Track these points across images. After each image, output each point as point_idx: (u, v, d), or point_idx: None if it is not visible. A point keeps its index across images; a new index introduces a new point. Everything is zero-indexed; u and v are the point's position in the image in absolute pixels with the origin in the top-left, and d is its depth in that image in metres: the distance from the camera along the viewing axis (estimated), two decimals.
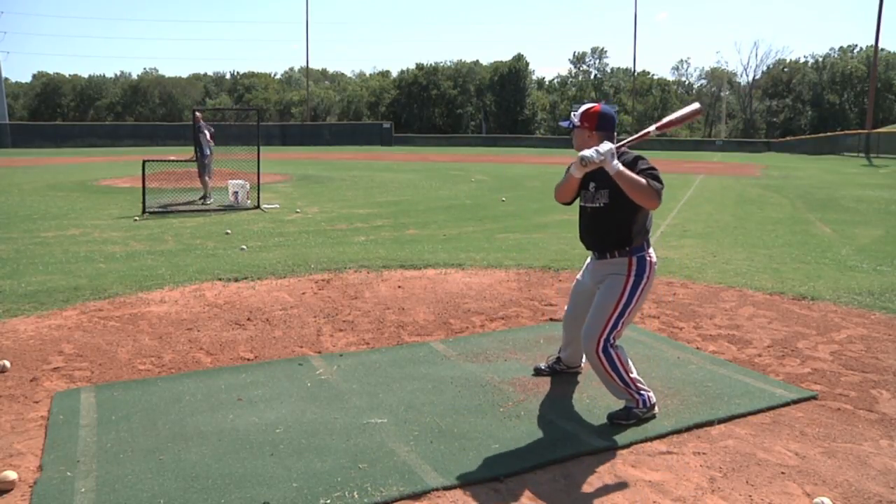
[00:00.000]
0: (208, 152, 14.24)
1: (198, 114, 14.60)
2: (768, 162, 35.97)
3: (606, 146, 3.34)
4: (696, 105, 3.71)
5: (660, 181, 3.42)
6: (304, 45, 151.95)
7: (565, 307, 4.22)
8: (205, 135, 14.18)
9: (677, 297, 6.29)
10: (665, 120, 3.66)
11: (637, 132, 3.79)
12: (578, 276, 4.06)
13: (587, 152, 3.33)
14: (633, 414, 3.58)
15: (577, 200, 3.81)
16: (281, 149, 44.76)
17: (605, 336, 3.55)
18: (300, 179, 20.85)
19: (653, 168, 3.46)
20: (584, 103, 3.85)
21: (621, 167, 3.35)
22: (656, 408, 3.67)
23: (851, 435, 3.49)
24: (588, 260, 3.97)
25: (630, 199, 3.41)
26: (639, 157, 3.52)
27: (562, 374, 4.29)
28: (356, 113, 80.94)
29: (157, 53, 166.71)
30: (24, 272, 7.22)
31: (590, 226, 3.73)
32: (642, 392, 3.62)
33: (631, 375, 3.60)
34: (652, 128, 3.64)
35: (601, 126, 3.57)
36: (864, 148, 40.96)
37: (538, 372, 4.30)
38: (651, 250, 3.68)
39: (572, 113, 3.71)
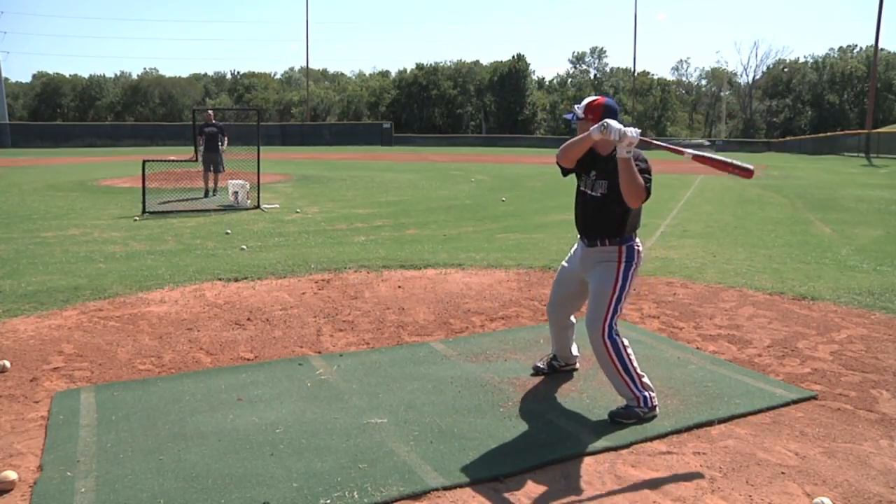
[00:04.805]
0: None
1: (210, 111, 15.13)
2: (768, 162, 35.94)
3: (634, 132, 3.32)
4: (750, 165, 3.58)
5: (649, 189, 3.49)
6: (304, 45, 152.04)
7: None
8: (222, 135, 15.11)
9: (677, 297, 6.29)
10: (711, 155, 3.62)
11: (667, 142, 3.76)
12: (564, 263, 4.10)
13: (617, 124, 3.32)
14: (634, 413, 3.59)
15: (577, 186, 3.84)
16: (281, 149, 44.74)
17: (608, 321, 3.61)
18: (300, 179, 20.86)
19: (649, 172, 3.52)
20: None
21: (630, 157, 3.38)
22: (657, 409, 3.67)
23: (851, 435, 3.49)
24: (575, 247, 4.01)
25: None
26: (642, 158, 3.55)
27: (561, 374, 4.29)
28: (356, 113, 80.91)
29: (157, 53, 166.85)
30: (24, 272, 7.22)
31: (585, 213, 3.78)
32: (644, 391, 3.63)
33: (635, 367, 3.64)
34: (690, 151, 3.58)
35: (605, 118, 3.51)
36: (864, 148, 40.94)
37: (537, 371, 4.31)
38: (638, 240, 3.78)
39: (575, 106, 3.74)
